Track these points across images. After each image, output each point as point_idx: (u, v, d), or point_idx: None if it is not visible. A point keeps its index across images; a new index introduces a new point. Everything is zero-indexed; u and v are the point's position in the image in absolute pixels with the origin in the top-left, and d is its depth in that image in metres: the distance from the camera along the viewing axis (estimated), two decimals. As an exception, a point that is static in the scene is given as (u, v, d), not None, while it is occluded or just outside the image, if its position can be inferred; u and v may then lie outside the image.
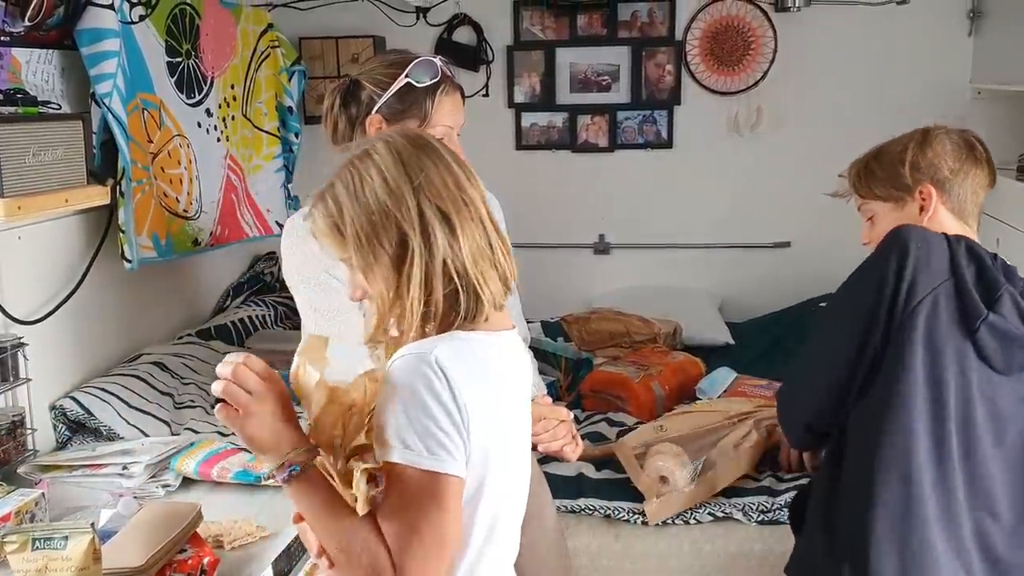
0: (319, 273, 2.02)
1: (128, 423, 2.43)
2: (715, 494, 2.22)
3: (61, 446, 2.38)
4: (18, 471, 2.14)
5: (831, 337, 1.70)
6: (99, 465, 2.16)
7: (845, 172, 1.87)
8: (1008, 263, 1.71)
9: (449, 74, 2.02)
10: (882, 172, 1.79)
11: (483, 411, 1.20)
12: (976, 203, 1.75)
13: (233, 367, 1.21)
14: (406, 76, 1.97)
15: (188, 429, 2.52)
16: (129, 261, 2.56)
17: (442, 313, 1.24)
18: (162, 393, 2.61)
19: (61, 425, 2.39)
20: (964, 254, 1.62)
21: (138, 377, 2.60)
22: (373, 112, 1.99)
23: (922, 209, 1.73)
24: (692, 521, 2.19)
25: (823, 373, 1.70)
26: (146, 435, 2.41)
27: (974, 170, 1.74)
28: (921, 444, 1.55)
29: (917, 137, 1.77)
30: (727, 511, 2.20)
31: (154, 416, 2.51)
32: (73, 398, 2.40)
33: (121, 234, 2.54)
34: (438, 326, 1.25)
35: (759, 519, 2.18)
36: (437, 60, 2.02)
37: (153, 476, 2.17)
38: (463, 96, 2.08)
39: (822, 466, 1.77)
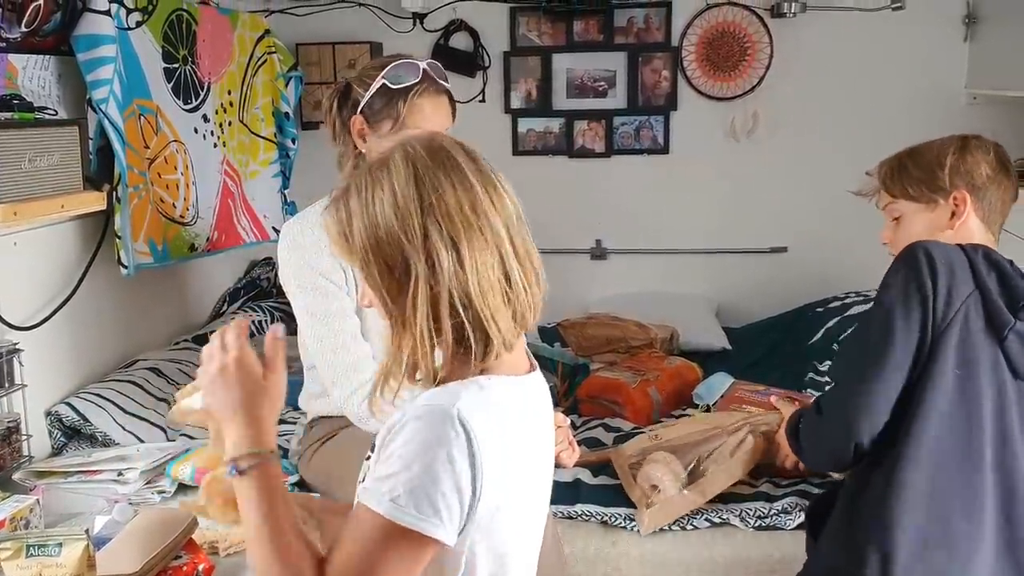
0: (315, 277, 2.02)
1: (124, 429, 2.42)
2: (711, 500, 2.22)
3: (56, 452, 2.37)
4: (13, 477, 2.14)
5: (885, 350, 1.62)
6: (94, 471, 2.16)
7: (873, 170, 1.87)
8: None
9: (434, 76, 2.02)
10: (918, 172, 1.79)
11: (498, 470, 1.14)
12: (1003, 213, 1.77)
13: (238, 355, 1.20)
14: (383, 77, 1.99)
15: (184, 435, 2.51)
16: (125, 267, 2.56)
17: (451, 350, 1.18)
18: (158, 399, 2.61)
19: (56, 431, 2.39)
20: (983, 264, 1.63)
21: (134, 383, 2.60)
22: (356, 112, 2.02)
23: (954, 214, 1.74)
24: (689, 527, 2.19)
25: (882, 388, 1.62)
26: (141, 441, 2.41)
27: (1006, 181, 1.76)
28: (951, 459, 1.57)
29: (957, 143, 1.78)
30: (724, 517, 2.19)
31: (149, 422, 2.50)
32: (69, 404, 2.40)
33: (117, 240, 2.54)
34: (449, 364, 1.19)
35: (756, 525, 2.18)
36: (423, 63, 2.02)
37: (148, 482, 2.18)
38: (451, 100, 2.07)
39: (847, 478, 1.76)
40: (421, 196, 1.16)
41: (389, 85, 1.99)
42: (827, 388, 1.76)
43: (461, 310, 1.15)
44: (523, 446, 1.23)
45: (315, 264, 2.02)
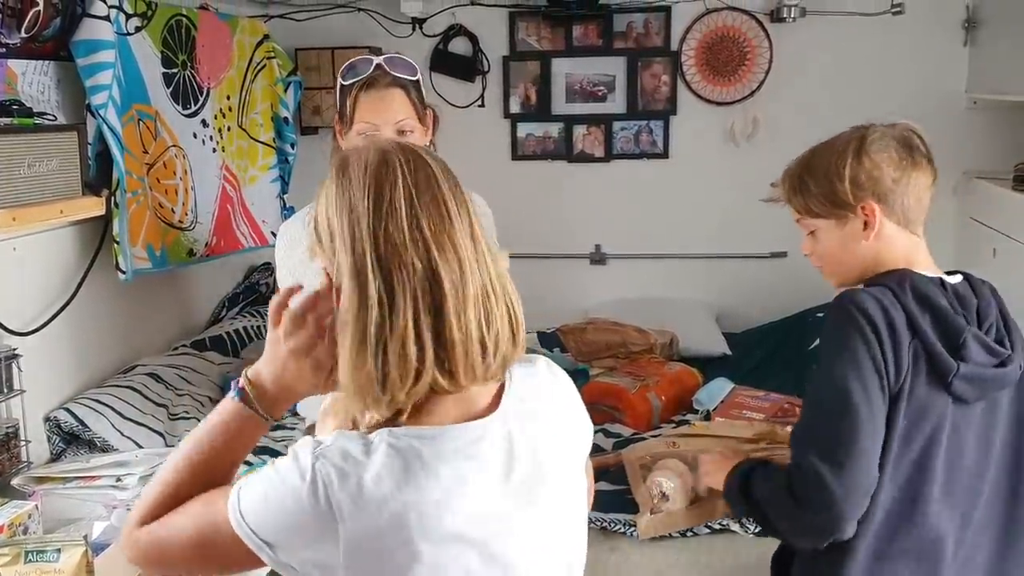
0: (312, 278, 2.02)
1: (122, 435, 2.42)
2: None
3: (55, 458, 2.37)
4: (11, 483, 2.13)
5: (858, 441, 1.46)
6: (93, 477, 2.15)
7: (778, 181, 1.71)
8: (970, 279, 1.61)
9: (387, 70, 1.98)
10: (817, 188, 1.62)
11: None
12: (922, 208, 1.61)
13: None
14: (339, 76, 2.00)
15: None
16: (124, 272, 2.55)
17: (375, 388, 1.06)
18: (156, 404, 2.61)
19: (55, 437, 2.38)
20: (916, 307, 1.50)
21: (132, 388, 2.60)
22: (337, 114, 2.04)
23: (866, 225, 1.58)
24: (689, 533, 2.18)
25: (865, 479, 1.47)
26: (140, 446, 2.41)
27: (915, 173, 1.58)
28: (901, 518, 1.51)
29: (853, 145, 1.60)
30: (724, 522, 2.19)
31: (148, 428, 2.50)
32: (67, 410, 2.40)
33: (116, 245, 2.54)
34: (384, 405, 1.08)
35: (756, 530, 2.17)
36: (377, 57, 2.00)
37: (147, 488, 2.16)
38: (412, 93, 2.03)
39: None
40: (351, 208, 1.09)
41: (342, 83, 2.00)
42: (792, 465, 1.60)
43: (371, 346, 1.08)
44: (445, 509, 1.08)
45: (310, 264, 2.02)
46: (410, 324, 1.03)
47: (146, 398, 2.59)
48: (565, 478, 1.19)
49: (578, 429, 1.27)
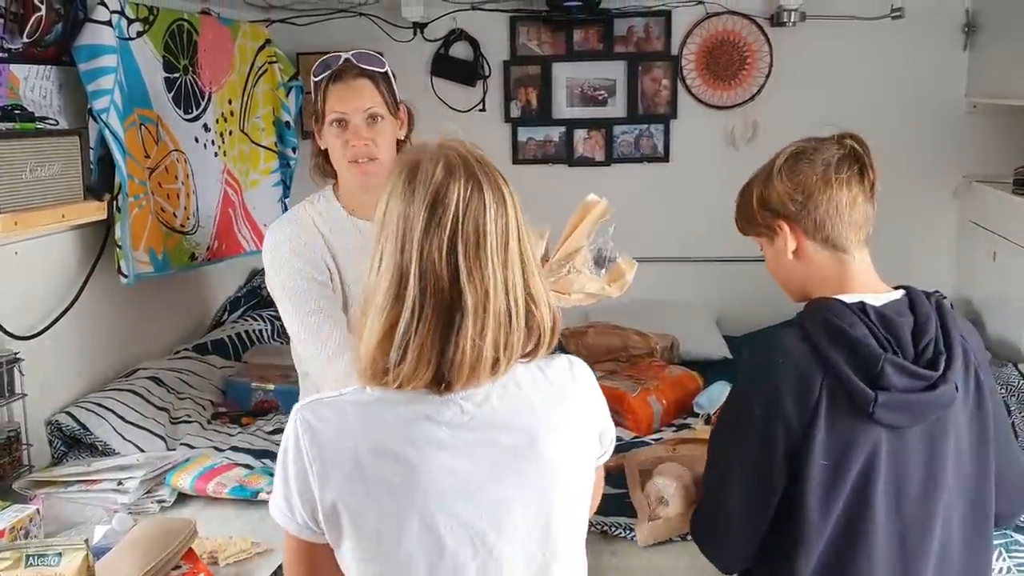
0: (295, 276, 2.03)
1: (124, 438, 2.42)
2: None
3: (56, 461, 2.37)
4: (13, 487, 2.14)
5: (747, 483, 1.54)
6: (94, 480, 2.16)
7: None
8: (913, 295, 1.56)
9: (353, 61, 2.04)
10: (741, 206, 1.70)
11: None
12: (849, 225, 1.56)
13: None
14: (312, 76, 2.06)
15: (184, 444, 2.51)
16: (125, 276, 2.56)
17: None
18: (158, 408, 2.61)
19: (57, 440, 2.39)
20: (827, 340, 1.48)
21: (134, 392, 2.60)
22: None
23: (786, 243, 1.60)
24: (690, 538, 2.18)
25: (749, 528, 1.57)
26: (142, 450, 2.41)
27: (831, 192, 1.56)
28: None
29: (767, 167, 1.65)
30: (724, 526, 2.18)
31: (150, 431, 2.50)
32: (69, 413, 2.40)
33: (118, 249, 2.54)
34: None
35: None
36: (346, 54, 2.05)
37: (148, 492, 2.17)
38: (376, 82, 2.07)
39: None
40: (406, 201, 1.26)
41: (314, 80, 2.05)
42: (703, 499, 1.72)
43: None
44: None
45: (293, 262, 2.03)
46: (431, 334, 1.19)
47: (147, 402, 2.60)
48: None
49: (576, 425, 1.33)
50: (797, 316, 1.59)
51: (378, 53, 2.09)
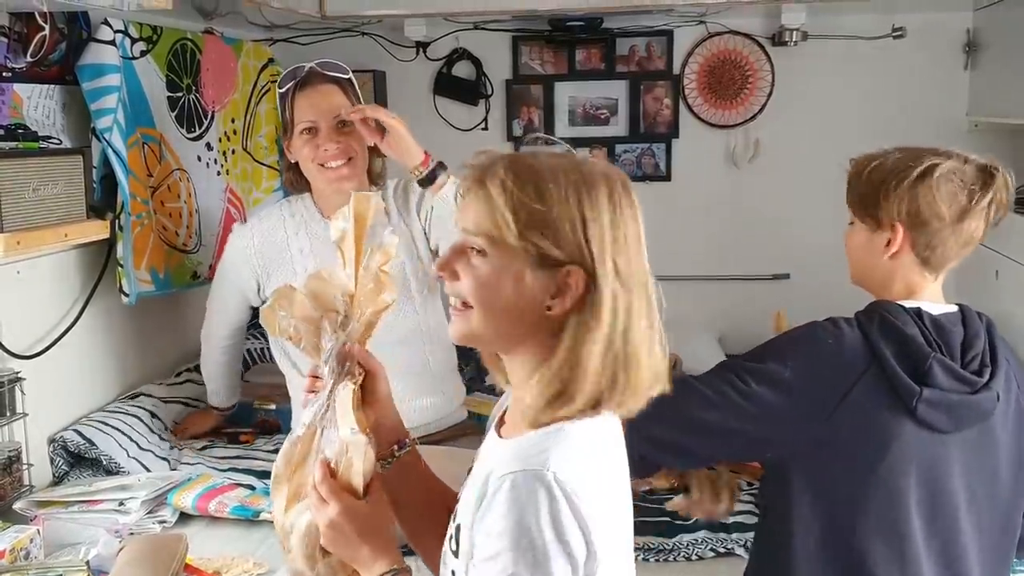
0: (222, 282, 2.15)
1: (128, 455, 2.42)
2: (716, 530, 2.20)
3: (57, 481, 2.36)
4: (13, 507, 2.13)
5: (746, 407, 1.52)
6: (95, 500, 2.15)
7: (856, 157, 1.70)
8: (965, 311, 1.60)
9: (318, 69, 2.06)
10: (866, 186, 1.61)
11: (601, 519, 1.10)
12: (956, 257, 1.59)
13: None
14: (277, 88, 2.09)
15: (186, 463, 2.51)
16: (127, 295, 2.56)
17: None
18: (161, 438, 2.62)
19: (59, 459, 2.37)
20: (879, 336, 1.50)
21: (138, 418, 2.59)
22: None
23: (889, 243, 1.59)
24: (694, 557, 2.17)
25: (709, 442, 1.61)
26: (148, 469, 2.40)
27: (962, 227, 1.55)
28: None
29: (919, 170, 1.56)
30: (728, 546, 2.18)
31: (154, 453, 2.50)
32: (75, 430, 2.40)
33: (120, 268, 2.54)
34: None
35: (761, 554, 2.16)
36: (309, 64, 2.07)
37: (150, 512, 2.16)
38: (343, 87, 2.08)
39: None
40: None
41: (279, 91, 2.07)
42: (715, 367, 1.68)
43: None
44: (613, 485, 1.20)
45: (227, 272, 2.34)
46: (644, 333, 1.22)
47: (151, 429, 2.60)
48: None
49: None
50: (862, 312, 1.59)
51: (335, 61, 2.13)
